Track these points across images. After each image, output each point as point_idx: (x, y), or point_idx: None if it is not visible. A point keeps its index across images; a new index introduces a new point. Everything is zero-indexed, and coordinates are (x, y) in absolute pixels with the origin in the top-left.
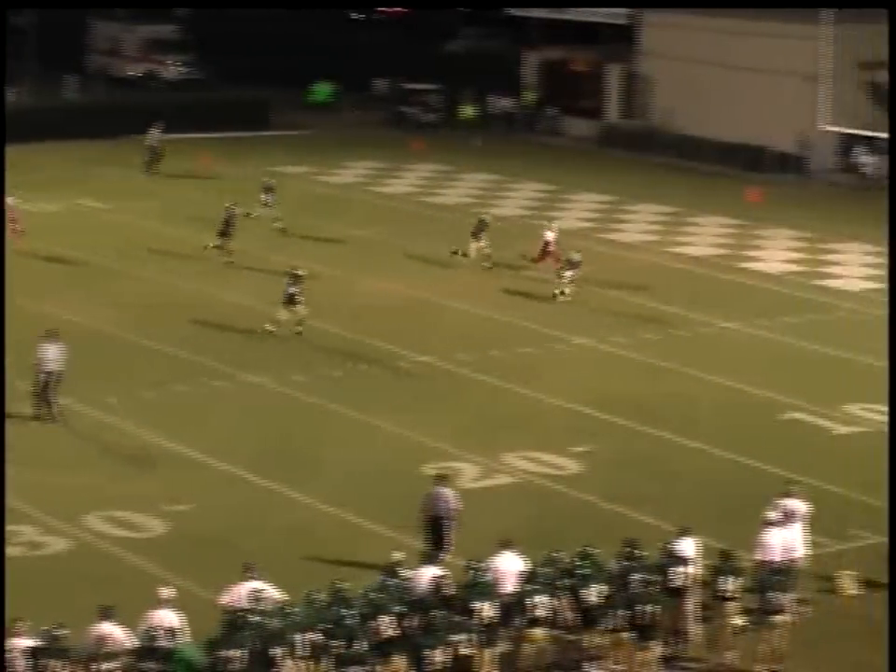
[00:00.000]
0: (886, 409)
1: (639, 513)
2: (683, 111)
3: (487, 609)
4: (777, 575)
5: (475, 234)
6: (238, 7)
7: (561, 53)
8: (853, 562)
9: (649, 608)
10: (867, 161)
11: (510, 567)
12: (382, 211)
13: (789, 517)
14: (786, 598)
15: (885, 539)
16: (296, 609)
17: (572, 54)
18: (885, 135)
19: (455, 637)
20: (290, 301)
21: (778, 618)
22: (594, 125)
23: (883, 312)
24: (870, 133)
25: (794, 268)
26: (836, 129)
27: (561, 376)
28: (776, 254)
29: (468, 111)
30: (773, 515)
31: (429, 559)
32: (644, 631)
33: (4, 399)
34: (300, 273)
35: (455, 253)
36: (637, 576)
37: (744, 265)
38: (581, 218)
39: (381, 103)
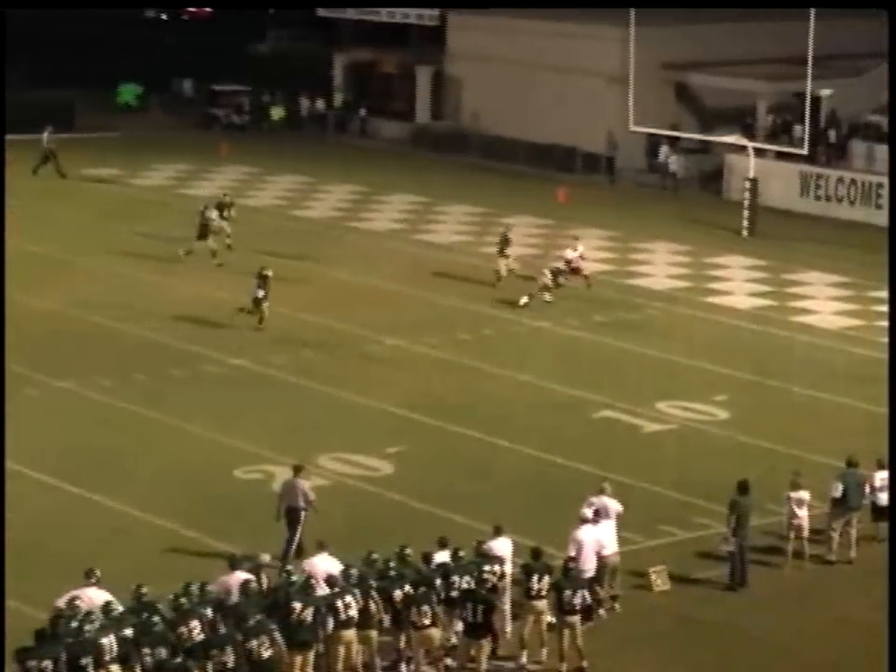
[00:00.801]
0: (694, 406)
1: (453, 513)
2: (493, 112)
3: (302, 610)
4: (571, 574)
5: (501, 251)
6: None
7: (371, 55)
8: (664, 558)
9: (480, 607)
10: (673, 161)
11: (325, 568)
12: (192, 215)
13: (601, 515)
14: (578, 597)
15: (695, 535)
16: (103, 617)
17: (382, 56)
18: (690, 136)
19: (255, 641)
20: (257, 302)
21: (573, 618)
22: (405, 127)
23: (691, 311)
24: (676, 134)
25: (604, 267)
26: (643, 130)
27: (375, 377)
28: (587, 253)
29: (278, 113)
30: (588, 513)
31: (237, 562)
32: (475, 629)
33: (3, 399)
34: (267, 273)
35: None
36: (457, 576)
37: (555, 264)
38: (393, 220)
39: (189, 104)
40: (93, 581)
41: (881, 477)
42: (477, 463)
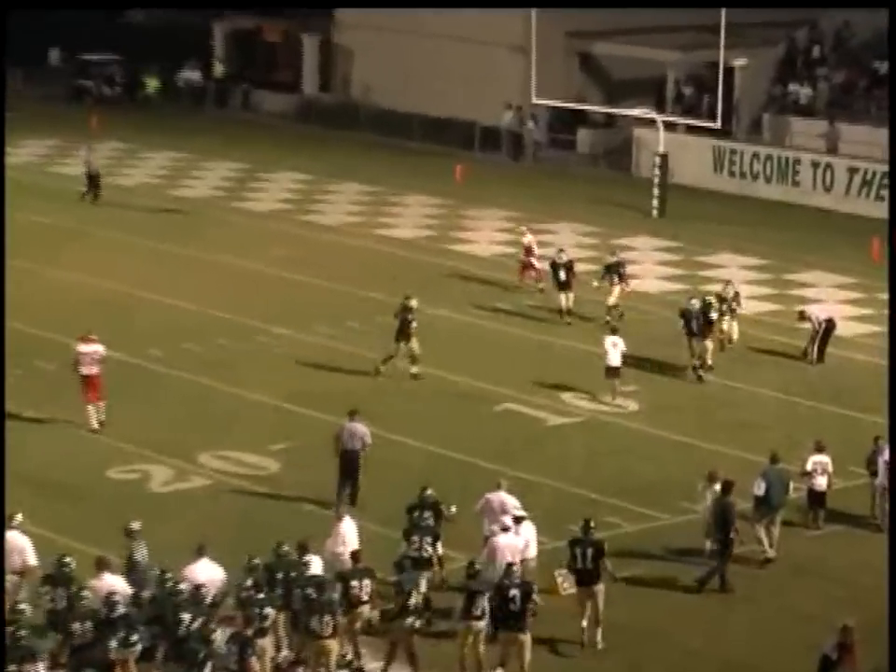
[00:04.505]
0: (602, 397)
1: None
2: (386, 84)
3: (189, 621)
4: (478, 578)
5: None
6: None
7: (253, 22)
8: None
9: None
10: (585, 135)
11: (207, 575)
12: (64, 194)
13: (498, 512)
14: (482, 604)
15: (605, 535)
16: None
17: (265, 23)
18: (596, 108)
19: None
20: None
21: (479, 623)
22: (290, 99)
23: (599, 296)
24: (581, 107)
25: (507, 250)
26: (547, 102)
27: (261, 370)
28: (486, 235)
29: (152, 85)
30: (507, 521)
31: (104, 566)
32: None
33: (3, 399)
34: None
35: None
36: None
37: (453, 247)
38: (278, 199)
39: (57, 76)
40: None
41: (816, 461)
42: (371, 460)
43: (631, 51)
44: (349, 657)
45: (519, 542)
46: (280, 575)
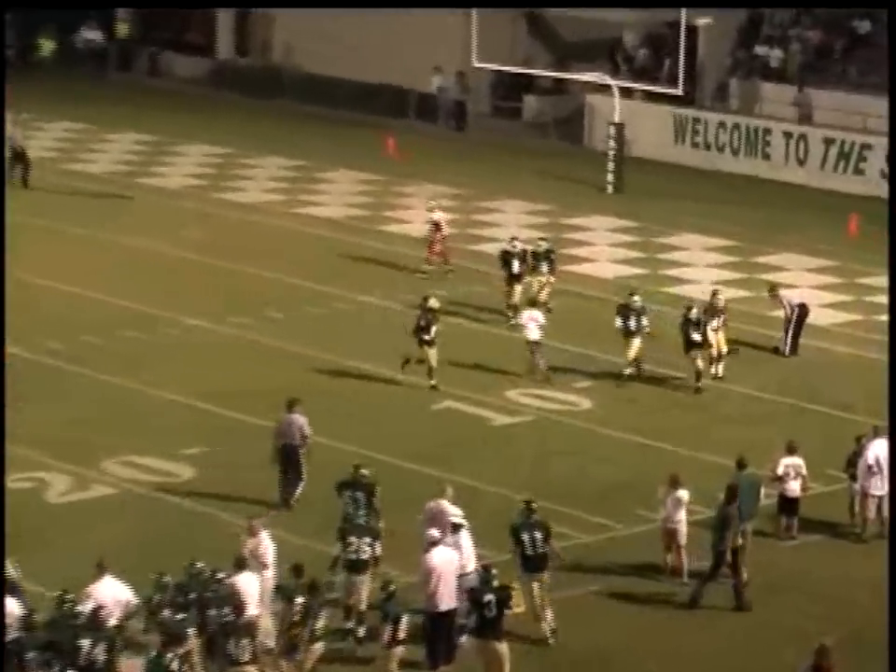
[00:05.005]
0: (551, 394)
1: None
2: (310, 47)
3: (90, 647)
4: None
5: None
6: None
7: None
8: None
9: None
10: (533, 103)
11: (110, 595)
12: None
13: (437, 522)
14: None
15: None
16: None
17: None
18: (544, 73)
19: None
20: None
21: (399, 648)
22: (203, 63)
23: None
24: (528, 71)
25: (446, 231)
26: (490, 66)
27: (173, 365)
28: (422, 214)
29: (47, 46)
30: (434, 533)
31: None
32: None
33: (3, 398)
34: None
35: None
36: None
37: (386, 228)
38: (190, 175)
39: None
40: None
41: (787, 463)
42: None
43: (582, 11)
44: None
45: (455, 556)
46: (193, 595)
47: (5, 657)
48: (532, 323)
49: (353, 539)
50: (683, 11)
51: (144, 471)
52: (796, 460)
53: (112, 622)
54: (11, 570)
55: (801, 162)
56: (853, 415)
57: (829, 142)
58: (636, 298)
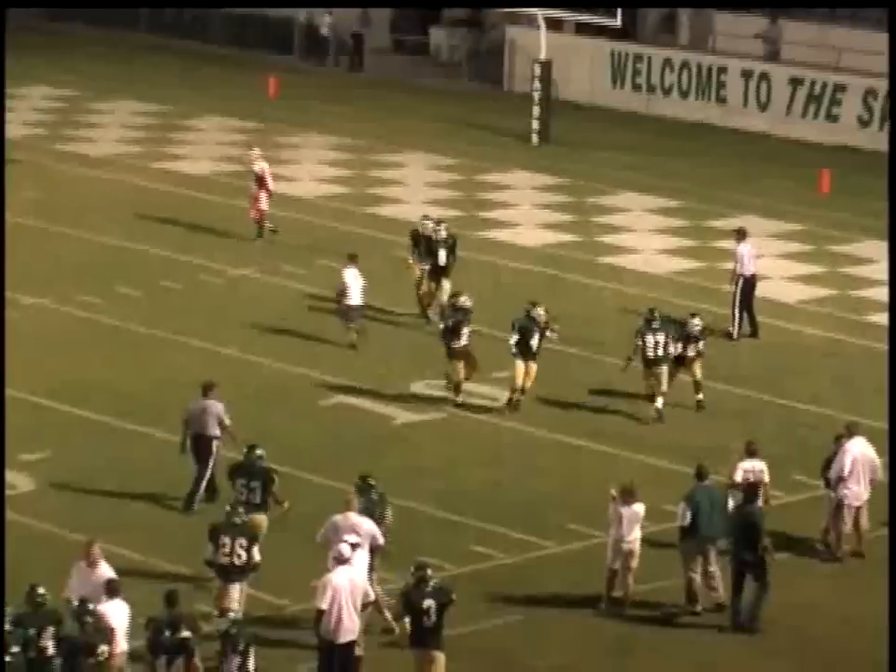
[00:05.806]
0: (465, 386)
1: (122, 545)
2: None
3: None
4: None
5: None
6: None
7: None
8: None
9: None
10: (441, 37)
11: None
12: None
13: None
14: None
15: (469, 569)
16: None
17: None
18: (460, 8)
19: None
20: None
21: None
22: None
23: (461, 251)
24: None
25: (337, 190)
26: None
27: (9, 353)
28: (309, 170)
29: None
30: (344, 550)
31: None
32: None
33: (4, 398)
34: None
35: None
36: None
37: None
38: (27, 123)
39: None
40: None
41: (747, 468)
42: (153, 474)
43: None
44: None
45: (360, 577)
46: (33, 631)
47: None
48: (354, 282)
49: (226, 539)
50: None
51: None
52: (757, 464)
53: None
54: None
55: (762, 107)
56: (826, 409)
57: (796, 82)
58: (696, 320)
